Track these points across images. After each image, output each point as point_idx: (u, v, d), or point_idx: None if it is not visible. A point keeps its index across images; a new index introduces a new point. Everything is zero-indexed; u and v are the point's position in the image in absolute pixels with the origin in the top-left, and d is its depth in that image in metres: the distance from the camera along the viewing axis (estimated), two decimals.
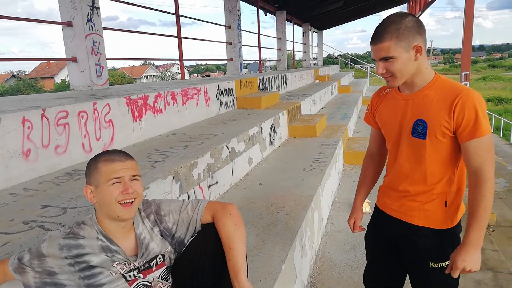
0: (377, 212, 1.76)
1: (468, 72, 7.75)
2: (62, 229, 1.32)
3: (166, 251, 1.41)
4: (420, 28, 1.42)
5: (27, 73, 54.63)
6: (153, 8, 5.99)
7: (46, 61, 46.58)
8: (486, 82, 45.05)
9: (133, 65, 65.99)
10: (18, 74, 50.43)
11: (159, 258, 1.40)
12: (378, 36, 1.41)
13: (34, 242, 1.36)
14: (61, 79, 45.75)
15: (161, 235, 1.42)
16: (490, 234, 3.90)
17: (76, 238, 1.29)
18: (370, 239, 1.83)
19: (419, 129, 1.47)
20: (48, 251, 1.26)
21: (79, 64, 4.02)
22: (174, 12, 6.18)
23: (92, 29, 4.05)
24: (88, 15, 4.01)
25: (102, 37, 4.23)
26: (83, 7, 3.95)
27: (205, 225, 1.45)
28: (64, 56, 4.09)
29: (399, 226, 1.61)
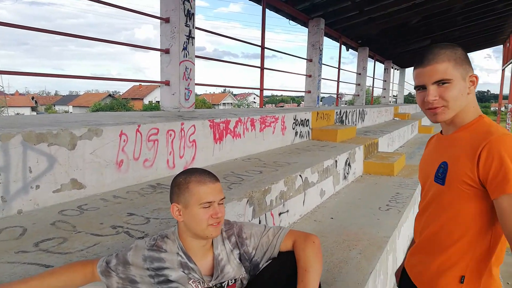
0: (403, 273, 1.50)
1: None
2: (148, 240, 1.38)
3: (241, 276, 1.42)
4: (470, 62, 1.25)
5: (121, 93, 60.81)
6: (243, 40, 6.35)
7: (138, 84, 51.39)
8: None
9: (214, 92, 69.85)
10: (113, 94, 56.36)
11: (231, 280, 1.41)
12: (431, 57, 1.21)
13: (121, 248, 1.46)
14: (149, 101, 50.01)
15: (240, 259, 1.43)
16: None
17: (159, 251, 1.34)
18: None
19: (440, 172, 1.24)
20: (133, 260, 1.33)
21: (171, 88, 4.37)
22: (260, 44, 6.49)
23: (186, 57, 4.41)
24: (184, 44, 4.39)
25: (194, 64, 4.58)
26: (181, 37, 4.34)
27: (283, 253, 1.43)
28: (158, 80, 4.49)
29: None
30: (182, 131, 3.02)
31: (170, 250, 1.35)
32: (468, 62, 1.23)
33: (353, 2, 7.96)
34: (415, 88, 1.29)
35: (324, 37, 8.52)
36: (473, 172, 1.15)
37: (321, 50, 8.21)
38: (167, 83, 4.39)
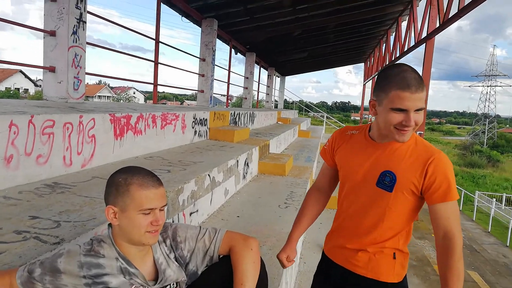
0: (324, 260, 1.68)
1: (422, 132, 8.48)
2: (83, 245, 1.22)
3: (182, 279, 1.35)
4: None
5: None
6: (137, 31, 5.96)
7: None
8: None
9: (87, 83, 63.78)
10: None
11: (173, 284, 1.33)
12: (418, 84, 1.29)
13: (40, 253, 1.26)
14: (5, 87, 42.90)
15: (177, 262, 1.36)
16: None
17: (97, 256, 1.20)
18: None
19: (387, 181, 1.41)
20: (65, 267, 1.16)
21: (56, 75, 3.87)
22: (154, 38, 6.22)
23: (76, 42, 3.96)
24: (74, 27, 3.94)
25: (85, 51, 4.14)
26: (70, 19, 3.88)
27: (221, 260, 1.39)
28: (34, 64, 3.93)
29: (345, 275, 1.55)
30: (81, 125, 2.70)
31: (108, 255, 1.21)
32: None
33: (245, 8, 8.25)
34: (392, 109, 1.32)
35: (217, 38, 8.63)
36: (419, 183, 1.38)
37: (214, 51, 8.30)
38: (52, 69, 3.87)
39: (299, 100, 27.08)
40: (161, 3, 6.48)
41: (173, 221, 2.46)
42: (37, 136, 2.28)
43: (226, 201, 3.64)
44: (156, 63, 6.29)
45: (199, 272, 1.39)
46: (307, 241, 3.86)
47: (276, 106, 20.56)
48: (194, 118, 4.84)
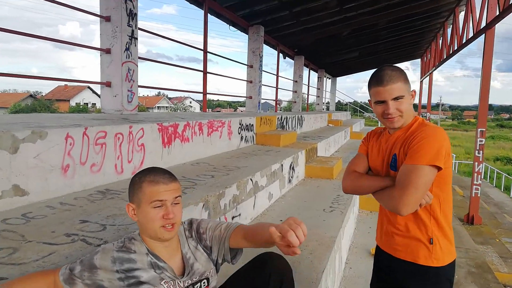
0: (376, 250, 1.84)
1: (484, 129, 7.86)
2: (116, 242, 1.35)
3: (211, 270, 1.43)
4: None
5: (43, 94, 56.09)
6: (187, 44, 6.26)
7: (64, 85, 47.86)
8: (494, 141, 45.20)
9: (147, 95, 67.58)
10: (35, 94, 51.76)
11: (204, 282, 1.41)
12: (389, 78, 1.55)
13: (84, 254, 1.38)
14: (76, 103, 46.82)
15: (205, 252, 1.45)
16: None
17: (128, 252, 1.31)
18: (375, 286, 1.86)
19: (393, 162, 1.61)
20: (101, 263, 1.28)
21: (112, 89, 4.18)
22: (202, 48, 6.46)
23: (129, 57, 4.25)
24: (126, 44, 4.23)
25: (137, 66, 4.43)
26: (123, 37, 4.18)
27: (260, 262, 1.45)
28: (92, 80, 4.27)
29: (390, 260, 1.68)
30: (131, 135, 2.91)
31: (139, 251, 1.33)
32: (409, 80, 1.61)
33: (291, 12, 8.27)
34: (375, 102, 1.61)
35: (264, 44, 8.75)
36: (405, 153, 1.54)
37: (261, 57, 8.41)
38: (108, 84, 4.19)
39: (353, 101, 26.40)
40: (208, 14, 6.72)
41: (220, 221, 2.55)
42: (91, 146, 2.49)
43: (270, 205, 3.68)
44: (205, 72, 6.52)
45: (220, 261, 1.48)
46: (354, 246, 3.77)
47: (328, 108, 20.24)
48: (240, 124, 4.95)
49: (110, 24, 4.18)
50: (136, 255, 1.32)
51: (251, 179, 3.21)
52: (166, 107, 60.89)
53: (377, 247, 1.83)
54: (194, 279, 1.38)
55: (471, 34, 9.19)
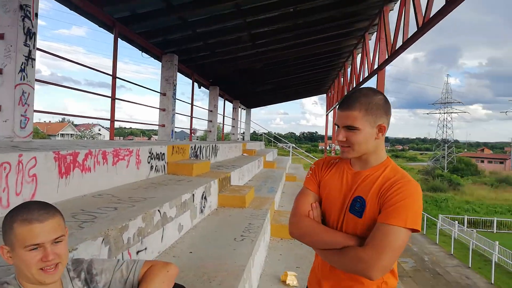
0: None
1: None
2: None
3: None
4: (388, 109, 1.43)
5: None
6: (94, 68, 5.95)
7: None
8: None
9: (49, 121, 61.96)
10: None
11: None
12: (348, 103, 1.40)
13: None
14: None
15: None
16: None
17: None
18: None
19: (357, 206, 1.41)
20: None
21: (2, 113, 3.78)
22: (111, 73, 6.19)
23: (24, 79, 3.89)
24: (22, 65, 3.88)
25: (33, 89, 4.07)
26: (18, 57, 3.84)
27: None
28: None
29: None
30: (20, 164, 2.60)
31: None
32: (381, 110, 1.40)
33: (205, 43, 8.45)
34: (335, 124, 1.51)
35: (178, 73, 8.72)
36: (379, 204, 1.37)
37: (175, 85, 8.36)
38: None
39: (267, 132, 27.43)
40: (119, 39, 6.52)
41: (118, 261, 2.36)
42: None
43: (180, 237, 3.55)
44: (113, 98, 6.24)
45: None
46: (265, 274, 3.80)
47: (243, 138, 20.70)
48: (150, 153, 4.77)
49: (4, 42, 3.81)
50: None
51: (158, 211, 3.08)
52: (71, 134, 56.36)
53: None
54: None
55: (366, 74, 10.32)
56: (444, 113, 74.50)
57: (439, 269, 10.19)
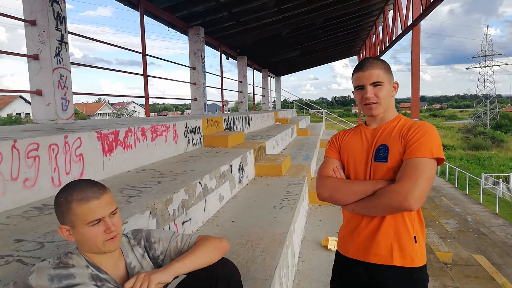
0: (340, 262, 1.68)
1: (417, 119, 8.44)
2: (51, 259, 1.26)
3: None
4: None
5: None
6: (124, 47, 6.02)
7: None
8: None
9: (87, 101, 64.27)
10: None
11: None
12: (369, 64, 1.56)
13: (17, 276, 1.27)
14: (7, 114, 43.30)
15: (152, 262, 1.40)
16: (449, 270, 4.09)
17: (66, 267, 1.23)
18: None
19: (381, 153, 1.52)
20: (37, 282, 1.19)
21: (44, 98, 3.92)
22: (141, 51, 6.25)
23: (60, 63, 4.00)
24: (56, 49, 3.98)
25: (70, 72, 4.18)
26: (52, 42, 3.92)
27: (207, 267, 1.41)
28: (24, 89, 3.97)
29: (370, 269, 1.53)
30: (67, 145, 2.73)
31: (78, 264, 1.26)
32: (391, 72, 1.59)
33: (230, 13, 8.29)
34: (355, 88, 1.60)
35: (205, 45, 8.67)
36: (402, 146, 1.49)
37: (203, 58, 8.33)
38: (39, 92, 3.91)
39: (298, 99, 27.09)
40: (145, 15, 6.52)
41: (174, 233, 2.48)
42: (22, 160, 2.30)
43: (222, 207, 3.65)
44: (145, 76, 6.33)
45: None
46: (306, 239, 3.86)
47: (274, 107, 20.57)
48: (186, 127, 4.86)
49: (36, 29, 3.91)
50: (76, 269, 1.24)
51: (200, 183, 3.16)
52: (108, 113, 58.33)
53: (345, 260, 1.64)
54: None
55: (400, 31, 9.81)
56: (485, 66, 70.23)
57: (484, 229, 9.94)
